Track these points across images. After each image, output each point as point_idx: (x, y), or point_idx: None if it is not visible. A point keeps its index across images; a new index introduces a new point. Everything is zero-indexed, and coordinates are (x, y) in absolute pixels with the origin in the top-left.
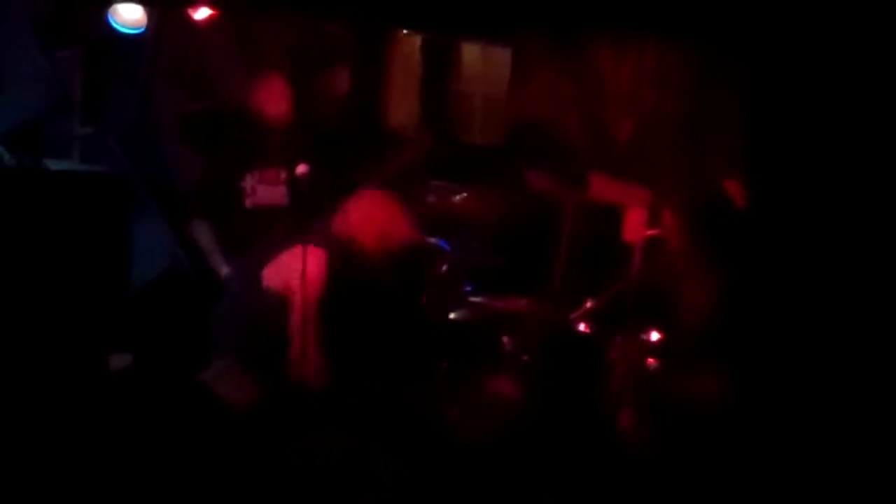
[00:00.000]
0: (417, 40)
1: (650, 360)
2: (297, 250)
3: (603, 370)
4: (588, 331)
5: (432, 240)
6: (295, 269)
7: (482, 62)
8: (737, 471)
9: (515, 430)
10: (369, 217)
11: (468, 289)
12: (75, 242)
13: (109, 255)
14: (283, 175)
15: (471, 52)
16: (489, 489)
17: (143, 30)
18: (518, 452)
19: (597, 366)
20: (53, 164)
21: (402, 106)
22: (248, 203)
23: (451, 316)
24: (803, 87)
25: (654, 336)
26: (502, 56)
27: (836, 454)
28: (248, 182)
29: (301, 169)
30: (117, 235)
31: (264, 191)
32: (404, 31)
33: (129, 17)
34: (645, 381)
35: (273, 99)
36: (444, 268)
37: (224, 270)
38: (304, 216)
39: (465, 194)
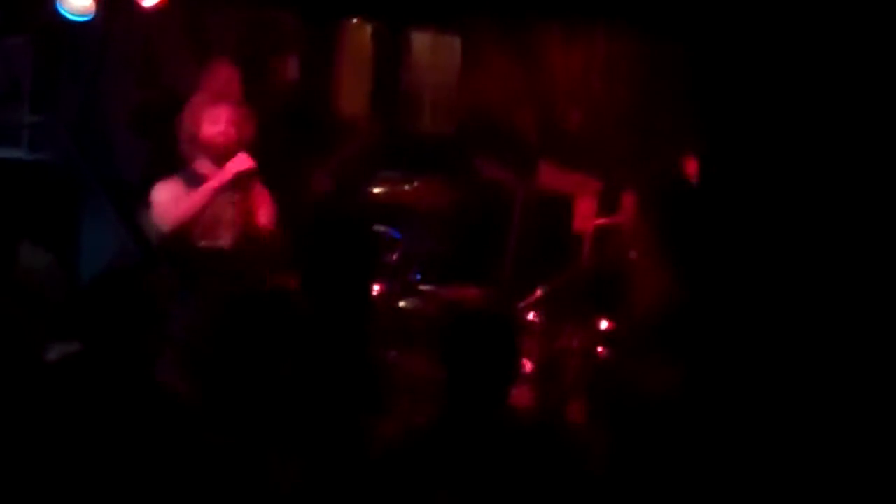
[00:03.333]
0: (367, 29)
1: (600, 349)
2: None
3: (550, 359)
4: (537, 320)
5: (382, 228)
6: None
7: (432, 51)
8: (691, 466)
9: (461, 423)
10: None
11: (418, 277)
12: (23, 232)
13: (58, 245)
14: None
15: (421, 41)
16: (435, 480)
17: (91, 17)
18: (464, 446)
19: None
20: (1, 153)
21: (352, 95)
22: None
23: (401, 304)
24: (755, 71)
25: (604, 325)
26: (452, 45)
27: (791, 447)
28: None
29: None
30: (66, 225)
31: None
32: (354, 20)
33: (77, 4)
34: (595, 371)
35: (222, 87)
36: (395, 256)
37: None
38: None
39: (415, 183)
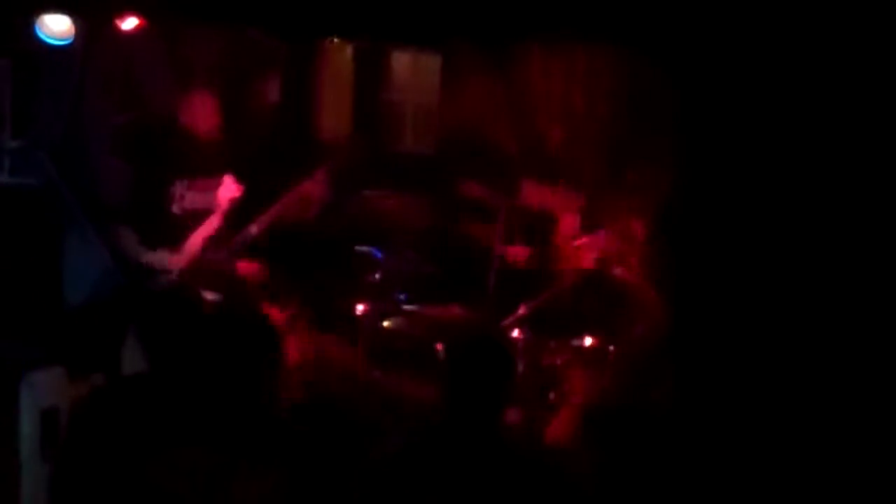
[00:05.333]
0: (348, 49)
1: (584, 367)
2: None
3: (534, 377)
4: (521, 337)
5: (365, 248)
6: None
7: (413, 70)
8: (682, 487)
9: (444, 442)
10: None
11: (402, 297)
12: (5, 257)
13: (40, 270)
14: (213, 184)
15: (401, 61)
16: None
17: (71, 41)
18: (443, 466)
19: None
20: None
21: (334, 115)
22: (177, 208)
23: (385, 324)
24: (736, 90)
25: (588, 342)
26: (432, 64)
27: (785, 467)
28: (178, 188)
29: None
30: (48, 249)
31: (193, 197)
32: (334, 40)
33: (56, 28)
34: (578, 388)
35: (203, 109)
36: (378, 276)
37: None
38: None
39: (397, 202)
